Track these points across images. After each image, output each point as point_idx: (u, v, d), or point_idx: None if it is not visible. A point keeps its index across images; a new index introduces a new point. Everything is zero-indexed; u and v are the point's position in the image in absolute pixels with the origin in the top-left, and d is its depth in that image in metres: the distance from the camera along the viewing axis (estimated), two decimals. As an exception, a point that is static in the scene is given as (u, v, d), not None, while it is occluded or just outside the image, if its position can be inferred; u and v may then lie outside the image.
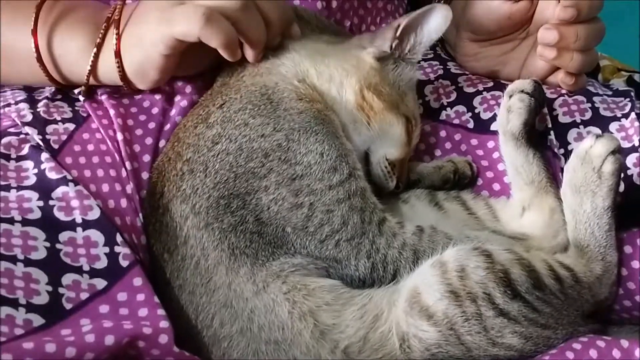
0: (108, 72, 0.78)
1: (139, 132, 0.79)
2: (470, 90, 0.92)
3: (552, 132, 0.83)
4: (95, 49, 0.77)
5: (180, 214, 0.71)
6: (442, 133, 0.90)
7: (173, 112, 0.81)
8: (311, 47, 0.81)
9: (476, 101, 0.90)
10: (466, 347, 0.65)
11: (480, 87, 0.92)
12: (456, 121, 0.90)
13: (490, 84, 0.92)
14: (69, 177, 0.71)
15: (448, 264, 0.67)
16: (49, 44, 0.78)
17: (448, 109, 0.91)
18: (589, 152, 0.73)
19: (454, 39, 1.00)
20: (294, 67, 0.78)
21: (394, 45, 0.81)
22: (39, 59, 0.78)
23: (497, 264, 0.67)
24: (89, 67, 0.78)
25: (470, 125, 0.89)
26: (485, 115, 0.88)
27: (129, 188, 0.75)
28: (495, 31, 0.93)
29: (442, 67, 0.98)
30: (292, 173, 0.71)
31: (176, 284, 0.71)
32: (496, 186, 0.86)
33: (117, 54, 0.76)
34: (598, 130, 0.82)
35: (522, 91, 0.81)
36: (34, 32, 0.78)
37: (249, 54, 0.78)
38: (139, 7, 0.78)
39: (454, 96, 0.92)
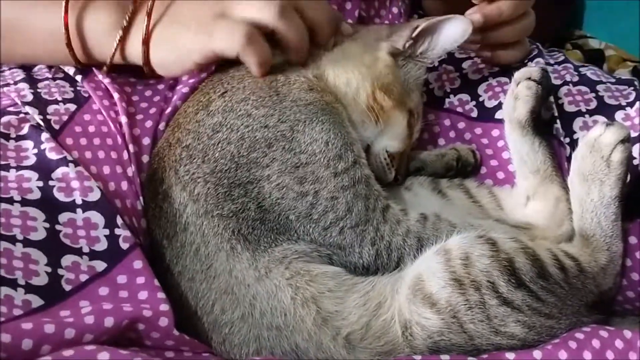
0: (134, 54, 0.78)
1: (139, 117, 0.79)
2: (476, 77, 0.91)
3: (558, 121, 0.83)
4: (121, 32, 0.77)
5: (180, 201, 0.71)
6: (446, 122, 0.89)
7: (174, 97, 0.80)
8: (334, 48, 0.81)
9: (481, 89, 0.89)
10: (469, 335, 0.65)
11: (486, 72, 0.91)
12: (459, 109, 0.89)
13: (496, 69, 0.91)
14: (70, 158, 0.70)
15: (452, 252, 0.67)
16: (76, 24, 0.78)
17: (451, 96, 0.90)
18: (598, 140, 0.72)
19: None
20: (314, 67, 0.79)
21: (407, 45, 0.81)
22: (68, 37, 0.78)
23: (502, 252, 0.66)
24: (113, 49, 0.78)
25: (474, 114, 0.88)
26: (490, 104, 0.88)
27: (130, 171, 0.75)
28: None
29: None
30: (295, 162, 0.70)
31: (175, 270, 0.70)
32: (500, 175, 0.85)
33: (145, 42, 0.76)
34: (604, 119, 0.81)
35: (529, 78, 0.80)
36: (66, 11, 0.77)
37: (293, 57, 0.78)
38: (174, 5, 0.77)
39: (458, 83, 0.91)
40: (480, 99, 0.89)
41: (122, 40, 0.78)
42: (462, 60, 0.94)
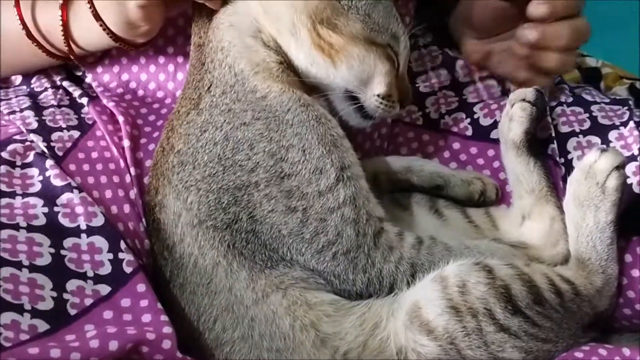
0: (101, 37, 0.79)
1: (143, 140, 0.81)
2: (474, 101, 0.91)
3: (555, 141, 0.83)
4: (60, 14, 0.78)
5: (174, 211, 0.71)
6: (441, 142, 0.89)
7: None
8: None
9: (477, 107, 0.90)
10: None
11: (485, 96, 0.91)
12: (454, 129, 0.89)
13: (498, 94, 0.91)
14: (74, 184, 0.72)
15: (449, 279, 0.67)
16: (34, 20, 0.80)
17: (446, 116, 0.91)
18: (593, 166, 0.72)
19: (461, 41, 0.96)
20: (245, 16, 0.74)
21: None
22: (29, 34, 0.80)
23: (498, 279, 0.67)
24: (61, 36, 0.79)
25: (469, 132, 0.89)
26: (485, 122, 0.88)
27: (133, 194, 0.76)
28: (491, 27, 0.91)
29: (450, 76, 0.95)
30: (279, 171, 0.69)
31: (177, 282, 0.71)
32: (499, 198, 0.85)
33: (97, 18, 0.77)
34: (598, 140, 0.82)
35: (524, 100, 0.81)
36: (17, 5, 0.79)
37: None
38: None
39: (454, 105, 0.91)
40: (475, 116, 0.89)
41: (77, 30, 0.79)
42: (464, 85, 0.94)
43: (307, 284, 0.70)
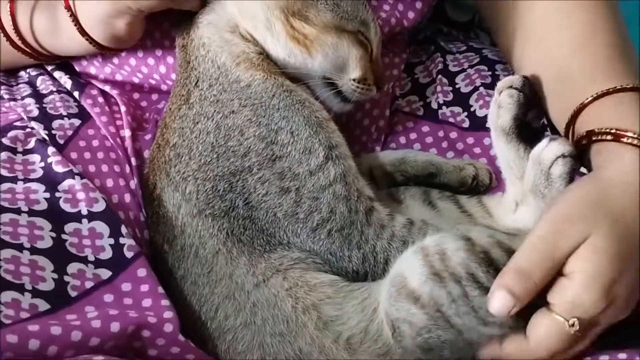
0: (84, 45, 0.81)
1: (139, 132, 0.82)
2: (468, 89, 0.92)
3: (548, 129, 0.84)
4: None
5: (174, 203, 0.73)
6: (440, 133, 0.91)
7: (165, 107, 0.82)
8: None
9: (472, 99, 0.91)
10: (457, 329, 0.65)
11: (478, 82, 0.92)
12: (451, 120, 0.91)
13: (489, 80, 0.92)
14: (76, 171, 0.73)
15: (429, 248, 0.67)
16: (14, 23, 0.82)
17: (444, 107, 0.92)
18: (540, 153, 0.73)
19: None
20: (221, 13, 0.78)
21: None
22: (11, 42, 0.82)
23: (478, 246, 0.67)
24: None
25: (466, 124, 0.90)
26: (481, 113, 0.89)
27: (133, 184, 0.78)
28: None
29: (442, 60, 0.97)
30: (270, 153, 0.72)
31: (178, 274, 0.72)
32: (493, 182, 0.86)
33: (83, 33, 0.79)
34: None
35: (511, 87, 0.82)
36: None
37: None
38: None
39: (450, 96, 0.93)
40: (472, 109, 0.90)
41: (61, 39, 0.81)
42: (456, 73, 0.95)
43: (305, 264, 0.71)
